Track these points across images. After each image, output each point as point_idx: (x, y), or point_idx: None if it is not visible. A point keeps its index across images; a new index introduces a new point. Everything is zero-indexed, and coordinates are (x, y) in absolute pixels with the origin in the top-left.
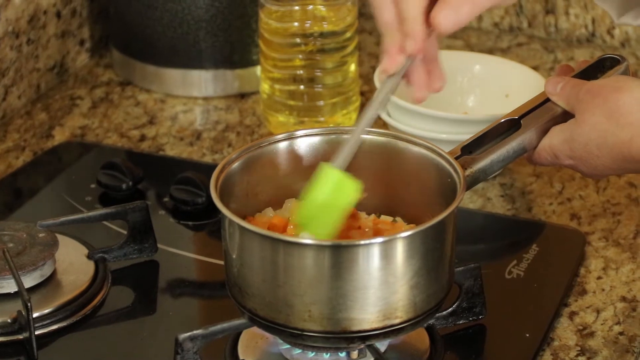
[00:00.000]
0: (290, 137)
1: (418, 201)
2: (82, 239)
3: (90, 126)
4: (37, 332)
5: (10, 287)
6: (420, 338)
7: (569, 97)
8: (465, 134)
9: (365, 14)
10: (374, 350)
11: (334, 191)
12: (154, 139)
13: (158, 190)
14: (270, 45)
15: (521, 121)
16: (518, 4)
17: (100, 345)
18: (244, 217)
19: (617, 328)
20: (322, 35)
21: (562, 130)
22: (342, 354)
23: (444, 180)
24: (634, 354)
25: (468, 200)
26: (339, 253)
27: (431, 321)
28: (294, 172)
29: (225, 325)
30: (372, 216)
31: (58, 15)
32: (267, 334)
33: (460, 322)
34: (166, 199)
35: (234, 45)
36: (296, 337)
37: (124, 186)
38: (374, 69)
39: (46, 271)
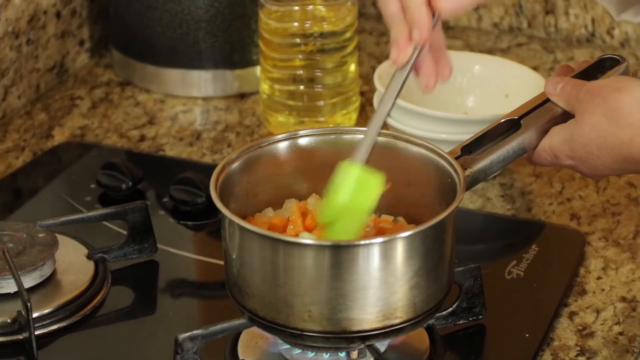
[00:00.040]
0: (290, 137)
1: (418, 201)
2: (82, 239)
3: (90, 126)
4: (37, 332)
5: (10, 287)
6: (420, 338)
7: (569, 97)
8: (465, 134)
9: (365, 14)
10: (374, 351)
11: (358, 187)
12: (154, 139)
13: (158, 190)
14: (270, 45)
15: (521, 121)
16: (518, 4)
17: (100, 345)
18: (244, 217)
19: (616, 328)
20: (322, 35)
21: (562, 130)
22: (342, 354)
23: (443, 180)
24: (634, 354)
25: (468, 201)
26: (339, 253)
27: (431, 321)
28: (294, 172)
29: (225, 325)
30: (373, 216)
31: (58, 15)
32: (267, 334)
33: (460, 322)
34: (166, 199)
35: (233, 46)
36: (296, 337)
37: (123, 186)
38: (374, 69)
39: (46, 271)
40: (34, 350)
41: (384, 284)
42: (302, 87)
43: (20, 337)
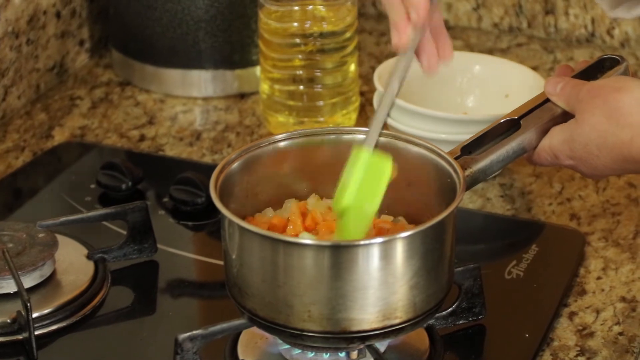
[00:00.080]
0: (290, 137)
1: (418, 201)
2: (82, 239)
3: (90, 126)
4: (36, 332)
5: (10, 287)
6: (419, 338)
7: (569, 97)
8: (465, 134)
9: (365, 14)
10: (374, 351)
11: (370, 171)
12: (154, 139)
13: (158, 190)
14: (269, 45)
15: (521, 121)
16: (518, 4)
17: (100, 345)
18: (243, 217)
19: (616, 328)
20: (322, 35)
21: (562, 130)
22: (342, 354)
23: (443, 180)
24: (634, 354)
25: (468, 201)
26: (339, 253)
27: (431, 321)
28: (294, 172)
29: (224, 325)
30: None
31: (58, 15)
32: (267, 334)
33: (460, 322)
34: (166, 199)
35: (233, 46)
36: (296, 337)
37: (123, 186)
38: (373, 69)
39: (46, 271)
40: (33, 350)
41: (383, 284)
42: (302, 87)
43: (20, 337)
